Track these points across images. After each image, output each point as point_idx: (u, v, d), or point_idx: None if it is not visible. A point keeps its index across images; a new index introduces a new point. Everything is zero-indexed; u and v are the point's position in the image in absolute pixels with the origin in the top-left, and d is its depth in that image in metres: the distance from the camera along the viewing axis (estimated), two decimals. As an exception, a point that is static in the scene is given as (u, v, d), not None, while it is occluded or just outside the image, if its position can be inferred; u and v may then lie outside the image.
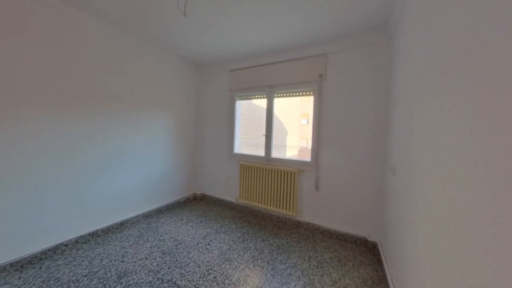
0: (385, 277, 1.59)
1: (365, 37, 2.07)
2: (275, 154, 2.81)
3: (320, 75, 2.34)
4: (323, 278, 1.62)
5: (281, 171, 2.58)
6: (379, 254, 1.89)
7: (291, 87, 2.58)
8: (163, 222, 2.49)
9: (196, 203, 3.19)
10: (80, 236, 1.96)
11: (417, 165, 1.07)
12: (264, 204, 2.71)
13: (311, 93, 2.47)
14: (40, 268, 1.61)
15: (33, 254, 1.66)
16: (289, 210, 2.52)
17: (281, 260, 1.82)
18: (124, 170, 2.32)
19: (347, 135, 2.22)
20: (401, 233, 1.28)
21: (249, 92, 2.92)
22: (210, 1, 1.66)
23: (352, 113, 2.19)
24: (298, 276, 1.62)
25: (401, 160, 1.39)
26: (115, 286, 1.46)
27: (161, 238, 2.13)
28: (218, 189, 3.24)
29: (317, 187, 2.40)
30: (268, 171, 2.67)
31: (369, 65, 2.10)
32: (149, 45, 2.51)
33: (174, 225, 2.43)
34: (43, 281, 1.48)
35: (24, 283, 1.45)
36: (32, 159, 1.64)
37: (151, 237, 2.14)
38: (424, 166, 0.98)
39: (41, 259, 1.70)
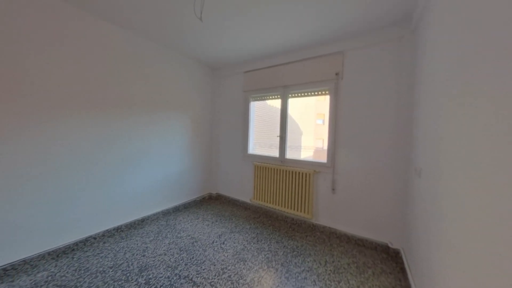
0: (409, 287, 1.48)
1: (385, 31, 1.96)
2: (289, 155, 2.77)
3: (336, 74, 2.27)
4: (340, 284, 1.55)
5: (295, 172, 2.53)
6: (402, 263, 1.76)
7: (306, 87, 2.53)
8: (181, 220, 2.59)
9: (212, 203, 3.27)
10: (107, 230, 2.11)
11: (447, 168, 0.98)
12: (279, 205, 2.69)
13: (327, 92, 2.40)
14: (73, 258, 1.77)
15: (67, 245, 1.82)
16: (304, 212, 2.46)
17: (295, 263, 1.78)
18: (145, 169, 2.46)
19: (366, 136, 2.11)
20: (428, 241, 1.19)
21: (263, 93, 2.92)
22: (225, 5, 1.70)
23: (371, 112, 2.09)
24: (314, 281, 1.58)
25: (428, 162, 1.28)
26: (136, 278, 1.55)
27: (179, 235, 2.22)
28: (233, 189, 3.29)
29: (333, 189, 2.31)
30: (283, 172, 2.65)
31: (390, 61, 1.98)
32: (168, 50, 2.63)
33: (191, 223, 2.51)
34: (75, 270, 1.62)
35: (59, 271, 1.60)
36: (66, 158, 1.80)
37: (169, 234, 2.23)
38: (455, 169, 0.89)
39: (73, 249, 1.86)
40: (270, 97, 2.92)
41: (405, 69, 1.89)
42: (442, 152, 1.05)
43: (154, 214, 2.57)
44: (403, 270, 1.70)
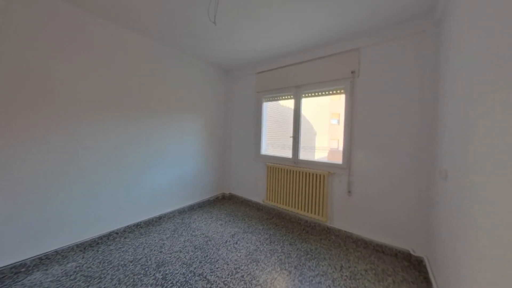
0: (434, 299, 1.38)
1: (406, 25, 1.86)
2: (303, 155, 2.73)
3: (352, 72, 2.19)
4: (357, 291, 1.49)
5: (309, 173, 2.48)
6: (426, 272, 1.64)
7: (320, 86, 2.47)
8: (195, 219, 2.66)
9: (225, 203, 3.31)
10: (127, 226, 2.23)
11: (477, 170, 0.90)
12: (292, 207, 2.65)
13: (342, 91, 2.32)
14: (97, 251, 1.90)
15: (92, 239, 1.96)
16: (319, 214, 2.40)
17: (309, 267, 1.74)
18: (162, 169, 2.57)
19: (385, 136, 2.01)
20: (455, 249, 1.09)
21: (276, 93, 2.91)
22: (238, 8, 1.72)
23: (391, 111, 1.98)
24: (329, 286, 1.53)
25: (455, 163, 1.19)
26: (154, 273, 1.62)
27: (193, 233, 2.28)
28: (245, 190, 3.31)
29: (349, 191, 2.23)
30: (296, 173, 2.61)
31: (411, 56, 1.87)
32: (183, 54, 2.73)
33: (205, 222, 2.56)
34: (100, 262, 1.73)
35: (86, 262, 1.73)
36: (91, 157, 1.95)
37: (185, 232, 2.30)
38: (487, 171, 0.82)
39: (98, 243, 2.00)
40: (283, 97, 2.90)
41: (428, 65, 1.77)
42: (472, 153, 0.96)
43: (170, 212, 2.67)
44: (427, 279, 1.59)
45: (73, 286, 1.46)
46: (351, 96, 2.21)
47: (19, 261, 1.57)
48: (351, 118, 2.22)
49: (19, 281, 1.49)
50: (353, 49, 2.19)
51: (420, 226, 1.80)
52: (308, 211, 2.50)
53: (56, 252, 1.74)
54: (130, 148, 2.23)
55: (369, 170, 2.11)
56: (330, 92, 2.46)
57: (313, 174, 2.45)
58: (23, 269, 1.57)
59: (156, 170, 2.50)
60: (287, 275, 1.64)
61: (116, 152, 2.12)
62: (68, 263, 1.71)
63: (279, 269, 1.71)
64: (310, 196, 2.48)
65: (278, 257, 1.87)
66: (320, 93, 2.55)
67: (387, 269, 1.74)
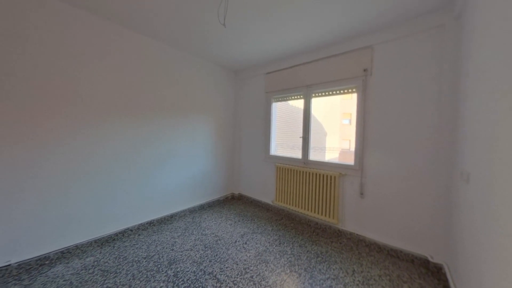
0: (455, 309, 1.30)
1: (423, 20, 1.77)
2: (313, 156, 2.68)
3: (364, 70, 2.12)
4: (370, 297, 1.43)
5: (319, 174, 2.44)
6: (446, 280, 1.55)
7: (331, 85, 2.42)
8: (205, 218, 2.70)
9: (234, 203, 3.34)
10: (141, 224, 2.32)
11: (504, 172, 0.84)
12: (302, 208, 2.62)
13: (354, 90, 2.26)
14: (113, 246, 1.98)
15: (109, 235, 2.05)
16: (329, 216, 2.35)
17: (320, 270, 1.71)
18: (173, 169, 2.64)
19: (401, 136, 1.93)
20: (479, 257, 1.02)
21: (285, 93, 2.89)
22: (247, 10, 1.73)
23: (406, 110, 1.90)
24: (340, 290, 1.49)
25: (478, 165, 1.11)
26: (166, 271, 1.66)
27: (204, 232, 2.32)
28: (255, 190, 3.31)
29: (362, 193, 2.16)
30: (306, 174, 2.57)
31: (428, 52, 1.78)
32: (194, 57, 2.80)
33: (215, 222, 2.60)
34: (115, 258, 1.81)
35: (103, 257, 1.81)
36: (108, 158, 2.04)
37: (195, 231, 2.35)
38: (515, 175, 0.76)
39: (114, 239, 2.09)
40: (293, 97, 2.87)
41: (448, 61, 1.67)
42: (497, 154, 0.90)
43: (181, 211, 2.73)
44: (447, 288, 1.50)
45: (91, 279, 1.54)
46: (364, 95, 2.14)
47: (44, 254, 1.68)
48: (363, 118, 2.15)
49: (44, 273, 1.59)
50: (365, 47, 2.12)
51: (439, 231, 1.71)
52: (318, 213, 2.45)
53: (77, 246, 1.84)
54: (144, 148, 2.32)
55: (383, 171, 2.03)
56: (341, 92, 2.40)
57: (323, 175, 2.40)
58: (47, 262, 1.68)
59: (168, 170, 2.57)
60: (297, 277, 1.62)
61: (131, 152, 2.21)
62: (87, 257, 1.80)
63: (288, 271, 1.69)
64: (321, 198, 2.43)
65: (287, 258, 1.85)
66: (330, 93, 2.50)
67: (403, 275, 1.67)
